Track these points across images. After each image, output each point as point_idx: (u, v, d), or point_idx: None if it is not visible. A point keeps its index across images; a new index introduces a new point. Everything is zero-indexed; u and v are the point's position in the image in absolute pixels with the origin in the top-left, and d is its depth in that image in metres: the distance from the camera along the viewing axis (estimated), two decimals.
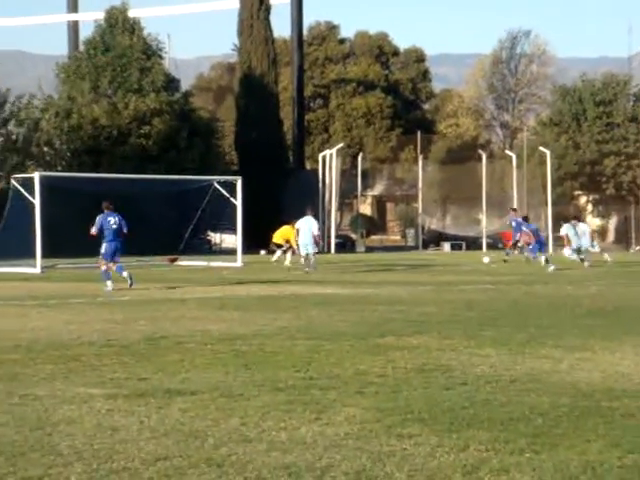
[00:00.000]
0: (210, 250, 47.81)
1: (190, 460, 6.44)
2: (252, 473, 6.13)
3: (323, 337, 12.97)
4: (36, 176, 33.24)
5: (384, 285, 24.59)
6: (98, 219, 23.41)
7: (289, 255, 36.03)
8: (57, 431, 7.29)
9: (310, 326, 14.51)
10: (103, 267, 23.43)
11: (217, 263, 35.66)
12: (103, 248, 23.40)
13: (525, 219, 36.62)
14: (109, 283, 22.91)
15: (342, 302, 19.03)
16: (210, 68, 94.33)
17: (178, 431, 7.31)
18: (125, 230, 23.52)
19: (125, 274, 23.21)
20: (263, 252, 46.53)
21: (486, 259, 38.30)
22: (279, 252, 37.00)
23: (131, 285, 22.84)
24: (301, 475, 6.10)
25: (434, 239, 60.18)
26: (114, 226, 23.27)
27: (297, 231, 33.00)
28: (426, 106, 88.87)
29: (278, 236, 37.36)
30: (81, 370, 10.20)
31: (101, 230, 23.30)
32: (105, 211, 23.61)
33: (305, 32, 71.34)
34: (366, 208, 73.47)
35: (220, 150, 58.26)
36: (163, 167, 45.49)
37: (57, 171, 44.29)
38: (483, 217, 58.31)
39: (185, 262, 36.44)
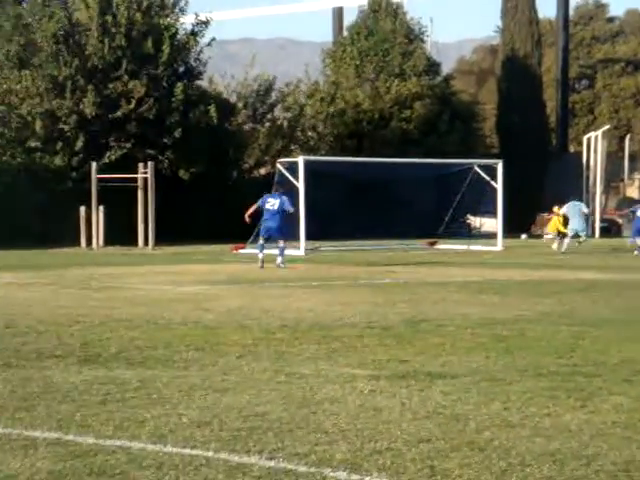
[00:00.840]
0: (470, 234, 47.58)
1: (452, 443, 6.41)
2: (516, 459, 6.04)
3: (587, 323, 12.64)
4: (300, 160, 34.02)
5: None
6: (260, 199, 25.57)
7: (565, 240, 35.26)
8: (322, 410, 7.43)
9: (573, 312, 14.17)
10: (260, 241, 25.32)
11: (477, 247, 35.45)
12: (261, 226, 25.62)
13: None
14: (260, 256, 24.69)
15: (607, 288, 18.49)
16: (472, 51, 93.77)
17: (439, 414, 7.29)
18: (289, 210, 25.26)
19: (260, 256, 24.69)
20: (524, 236, 45.91)
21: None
22: (557, 240, 35.98)
23: (261, 267, 24.14)
24: (566, 463, 5.95)
25: None
26: (270, 207, 25.06)
27: (564, 217, 32.58)
28: None
29: (551, 227, 36.85)
30: (344, 351, 10.36)
31: (262, 210, 25.34)
32: (272, 192, 26.33)
33: (571, 12, 69.62)
34: (634, 191, 70.96)
35: (481, 133, 57.87)
36: (423, 151, 45.63)
37: (320, 155, 45.25)
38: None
39: (445, 245, 36.45)
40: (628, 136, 60.84)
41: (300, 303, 15.40)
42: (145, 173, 37.37)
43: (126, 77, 40.72)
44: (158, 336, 11.44)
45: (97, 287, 18.62)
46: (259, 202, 25.42)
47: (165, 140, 40.90)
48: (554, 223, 36.50)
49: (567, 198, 34.66)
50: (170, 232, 38.29)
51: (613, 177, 60.95)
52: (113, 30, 40.83)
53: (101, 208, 36.88)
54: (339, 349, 10.45)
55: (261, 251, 24.97)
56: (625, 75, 77.65)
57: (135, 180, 37.48)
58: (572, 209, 33.12)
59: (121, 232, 36.75)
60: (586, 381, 8.53)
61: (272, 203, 25.19)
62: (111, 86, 40.67)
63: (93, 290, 17.98)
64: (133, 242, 36.93)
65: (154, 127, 40.72)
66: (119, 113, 40.32)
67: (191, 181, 41.83)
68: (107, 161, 39.62)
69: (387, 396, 7.94)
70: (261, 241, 25.30)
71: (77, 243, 36.88)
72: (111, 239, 36.60)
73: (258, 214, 25.74)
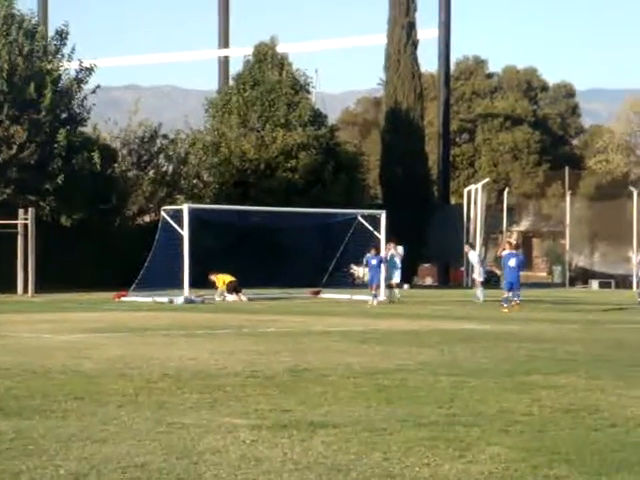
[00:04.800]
0: (353, 283, 47.90)
1: None
2: None
3: (466, 373, 12.82)
4: (185, 208, 33.91)
5: (529, 322, 24.20)
6: None
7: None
8: (203, 460, 7.37)
9: (453, 362, 14.35)
10: None
11: (360, 296, 35.67)
12: None
13: None
14: None
15: (486, 338, 18.79)
16: (356, 102, 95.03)
17: (321, 464, 7.30)
18: None
19: None
20: (406, 286, 46.40)
21: None
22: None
23: None
24: None
25: (581, 276, 59.06)
26: None
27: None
28: (575, 142, 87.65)
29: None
30: (226, 400, 10.30)
31: None
32: None
33: (452, 67, 71.20)
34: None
35: (365, 184, 58.47)
36: (308, 200, 45.92)
37: (205, 203, 45.12)
38: (633, 255, 56.84)
39: (328, 295, 36.60)
40: (506, 189, 62.25)
41: (183, 352, 15.27)
42: (25, 219, 36.74)
43: (7, 122, 40.07)
44: (36, 385, 11.20)
45: None
46: None
47: (47, 186, 40.29)
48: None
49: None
50: (51, 279, 37.63)
51: (492, 229, 62.22)
52: None
53: None
54: (221, 398, 10.38)
55: None
56: (504, 130, 79.61)
57: (15, 226, 36.80)
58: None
59: (0, 279, 36.01)
60: (465, 431, 8.64)
61: None
62: None
63: None
64: (12, 289, 36.18)
65: (35, 173, 40.10)
66: None
67: (73, 228, 41.25)
68: None
69: (269, 446, 7.91)
70: None
71: None
72: None
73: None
